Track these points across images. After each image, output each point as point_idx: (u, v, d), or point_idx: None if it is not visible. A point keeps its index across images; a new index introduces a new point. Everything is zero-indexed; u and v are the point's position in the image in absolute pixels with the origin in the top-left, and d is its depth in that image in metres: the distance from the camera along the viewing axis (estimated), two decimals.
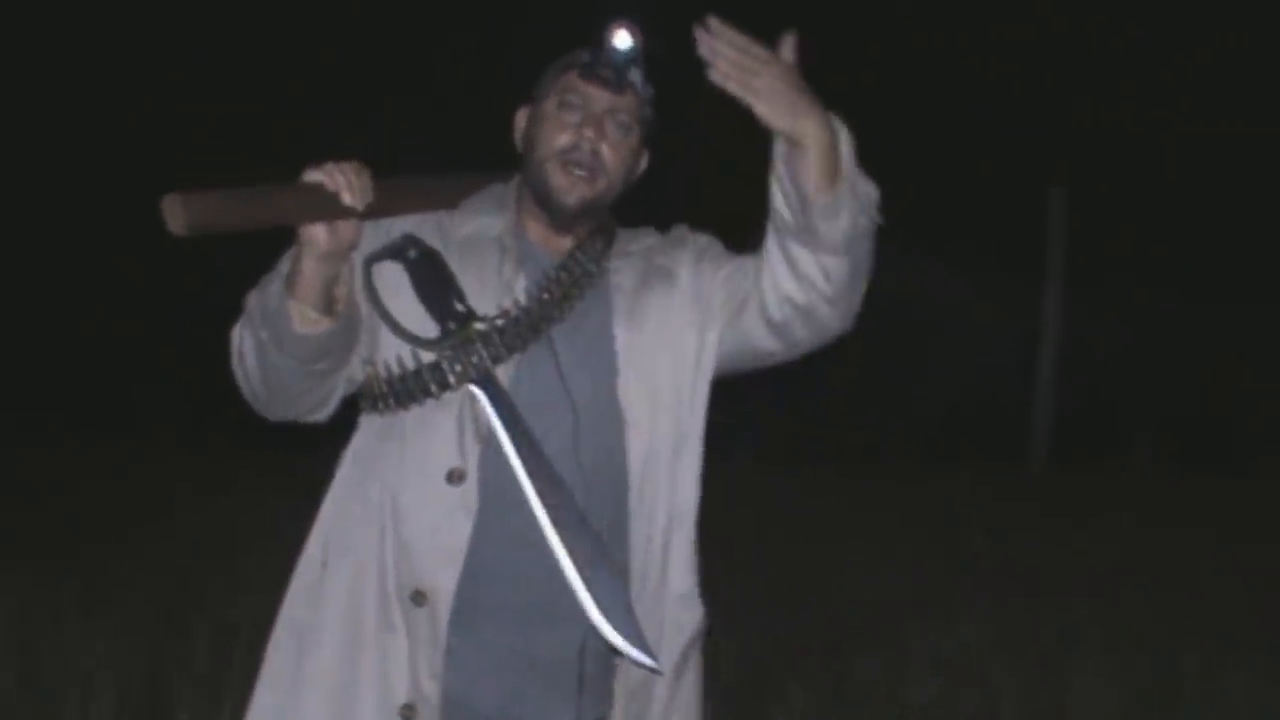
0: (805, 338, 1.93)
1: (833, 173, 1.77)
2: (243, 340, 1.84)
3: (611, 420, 1.89)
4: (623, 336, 1.91)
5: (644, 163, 2.01)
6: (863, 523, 6.24)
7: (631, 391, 1.89)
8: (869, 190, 1.83)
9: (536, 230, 1.95)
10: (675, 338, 1.92)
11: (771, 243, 1.86)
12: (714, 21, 1.70)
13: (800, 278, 1.85)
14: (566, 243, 1.94)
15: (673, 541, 1.92)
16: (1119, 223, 10.41)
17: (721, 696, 3.98)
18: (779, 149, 1.79)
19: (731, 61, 1.70)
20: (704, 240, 2.03)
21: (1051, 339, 9.90)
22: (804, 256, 1.83)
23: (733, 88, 1.71)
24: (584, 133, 1.88)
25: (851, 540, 5.86)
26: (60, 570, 4.89)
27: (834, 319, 1.90)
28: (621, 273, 1.95)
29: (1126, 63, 10.50)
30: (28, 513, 5.76)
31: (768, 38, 1.75)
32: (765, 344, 1.94)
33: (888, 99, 10.40)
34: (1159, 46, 10.10)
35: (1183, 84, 10.30)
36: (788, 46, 1.75)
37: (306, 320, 1.76)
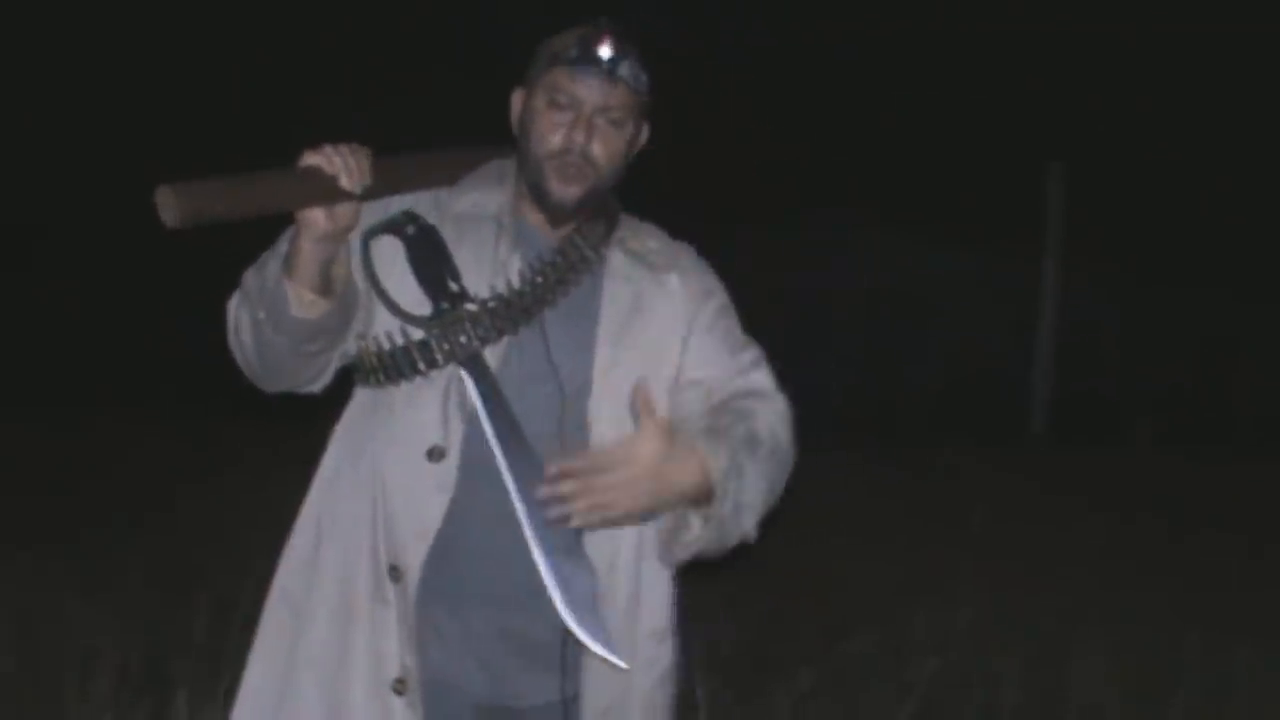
0: None
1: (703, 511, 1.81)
2: (239, 317, 1.84)
3: (583, 421, 1.88)
4: (605, 350, 1.89)
5: (643, 139, 1.98)
6: (860, 501, 6.23)
7: (602, 408, 1.87)
8: (746, 529, 1.86)
9: (534, 214, 1.95)
10: (650, 371, 1.90)
11: None
12: (551, 470, 1.71)
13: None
14: (563, 231, 1.93)
15: (644, 570, 1.91)
16: (1119, 199, 10.39)
17: (721, 675, 3.99)
18: None
19: (585, 508, 1.72)
20: (708, 283, 2.01)
21: (1050, 317, 9.89)
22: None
23: (593, 521, 1.74)
24: (574, 136, 1.86)
25: (849, 519, 5.86)
26: (59, 548, 4.88)
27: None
28: (620, 272, 1.94)
29: (1126, 37, 10.46)
30: (26, 492, 5.75)
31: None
32: None
33: (886, 74, 10.38)
34: (1160, 21, 10.07)
35: (1183, 59, 10.27)
36: (649, 428, 1.73)
37: (303, 302, 1.76)
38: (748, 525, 1.85)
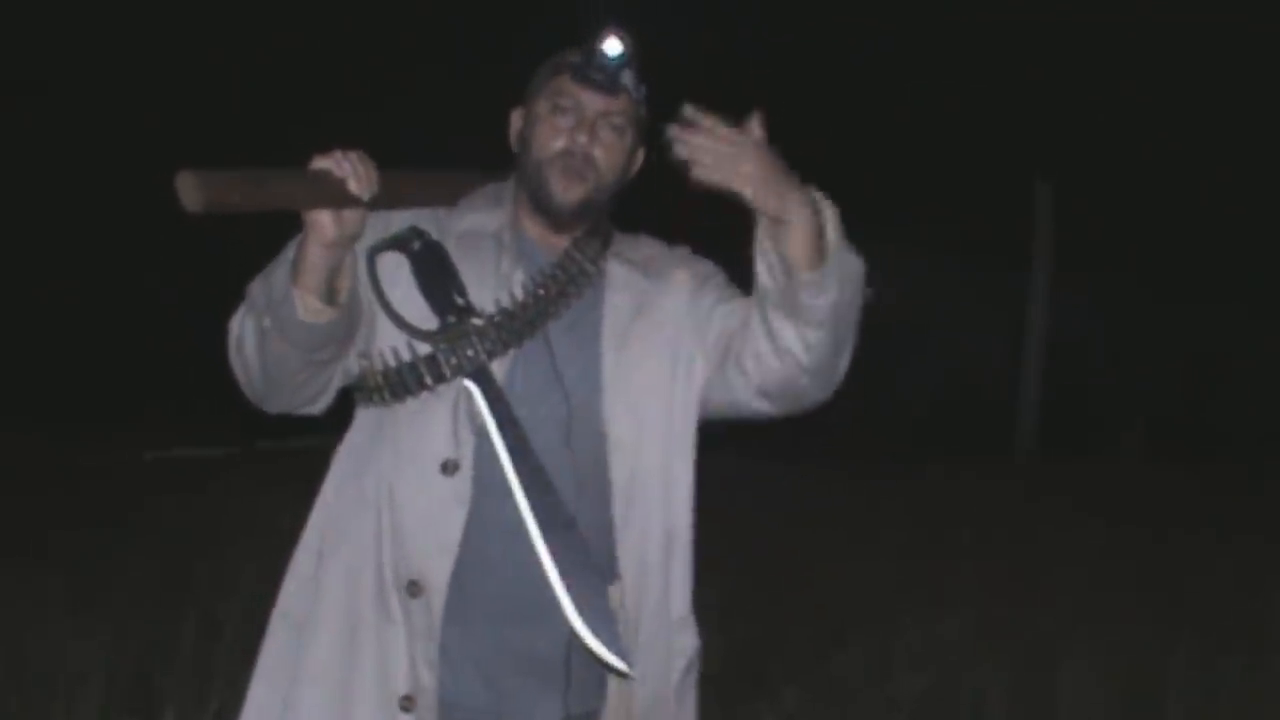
0: (785, 405, 1.94)
1: (819, 247, 1.79)
2: (243, 329, 1.84)
3: (597, 429, 1.89)
4: (610, 356, 1.91)
5: (639, 162, 2.01)
6: (849, 515, 6.25)
7: (616, 410, 1.89)
8: (856, 264, 1.84)
9: (533, 228, 1.96)
10: (663, 365, 1.92)
11: (755, 312, 1.88)
12: (690, 111, 1.71)
13: (781, 351, 1.85)
14: (563, 242, 1.95)
15: (672, 565, 1.93)
16: (1105, 217, 10.45)
17: (708, 691, 3.98)
18: (763, 223, 1.80)
19: (714, 155, 1.72)
20: (707, 268, 2.03)
21: (1037, 331, 9.94)
22: (786, 329, 1.84)
23: (717, 179, 1.73)
24: (577, 137, 1.89)
25: (838, 532, 5.87)
26: (47, 563, 4.87)
27: (813, 390, 1.91)
28: (619, 282, 1.96)
29: (1114, 58, 10.51)
30: (14, 505, 5.73)
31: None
32: (751, 403, 1.94)
33: (876, 95, 10.42)
34: (1145, 42, 10.12)
35: (1170, 81, 10.33)
36: (756, 125, 1.76)
37: (310, 309, 1.76)
38: (854, 271, 1.83)
